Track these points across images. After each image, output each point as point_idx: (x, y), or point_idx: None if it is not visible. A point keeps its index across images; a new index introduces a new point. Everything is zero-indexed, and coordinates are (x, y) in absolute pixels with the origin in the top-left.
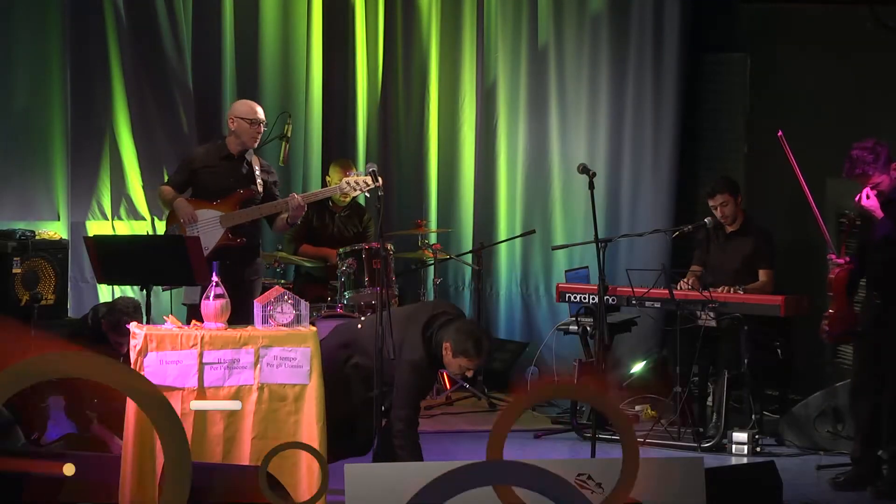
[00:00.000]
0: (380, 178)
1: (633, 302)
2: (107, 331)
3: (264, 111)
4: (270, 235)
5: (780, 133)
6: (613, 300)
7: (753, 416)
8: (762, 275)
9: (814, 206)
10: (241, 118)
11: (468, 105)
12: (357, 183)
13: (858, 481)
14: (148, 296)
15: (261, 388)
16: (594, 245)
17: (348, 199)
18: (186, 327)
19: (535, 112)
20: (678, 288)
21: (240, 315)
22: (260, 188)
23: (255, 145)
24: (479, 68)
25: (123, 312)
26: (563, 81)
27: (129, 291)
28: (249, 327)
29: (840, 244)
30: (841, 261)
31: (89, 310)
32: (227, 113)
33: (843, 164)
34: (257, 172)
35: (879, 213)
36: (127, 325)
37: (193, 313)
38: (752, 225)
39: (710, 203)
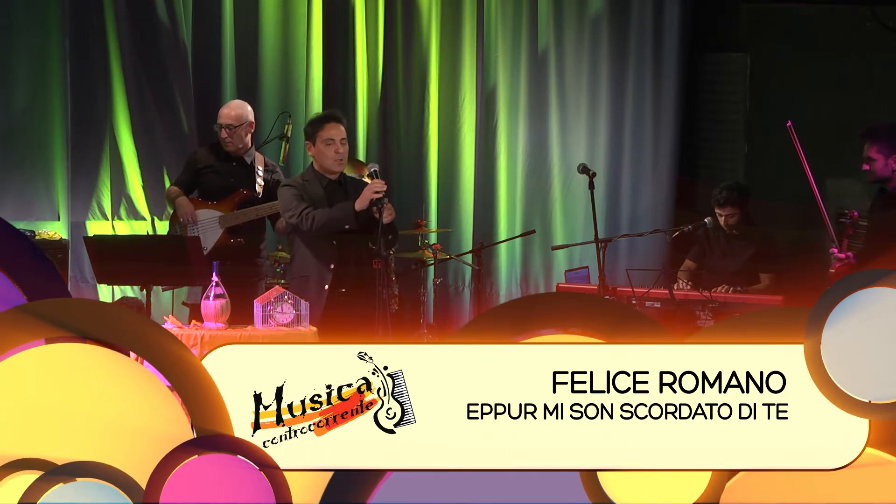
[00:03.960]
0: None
1: (633, 302)
2: None
3: (264, 111)
4: (272, 236)
5: (788, 123)
6: (613, 300)
7: None
8: (764, 279)
9: (818, 198)
10: (217, 121)
11: (468, 105)
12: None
13: None
14: (148, 296)
15: None
16: (594, 245)
17: None
18: (187, 327)
19: (536, 112)
20: (677, 287)
21: (241, 316)
22: (260, 189)
23: (232, 149)
24: (479, 68)
25: None
26: (563, 81)
27: (129, 291)
28: (249, 327)
29: (842, 239)
30: (842, 255)
31: None
32: None
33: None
34: (259, 172)
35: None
36: None
37: (196, 314)
38: (755, 228)
39: (717, 211)
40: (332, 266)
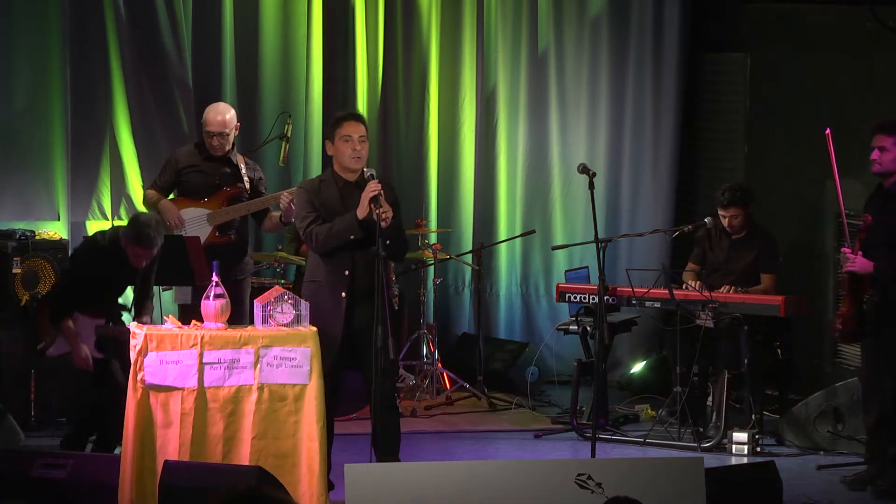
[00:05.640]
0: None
1: (633, 302)
2: (125, 245)
3: (264, 111)
4: (272, 236)
5: (827, 131)
6: (613, 300)
7: (753, 416)
8: (765, 279)
9: (841, 203)
10: (202, 125)
11: (468, 105)
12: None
13: (871, 480)
14: None
15: (261, 388)
16: (594, 245)
17: None
18: (186, 327)
19: (536, 112)
20: (683, 288)
21: (233, 314)
22: (248, 184)
23: (219, 153)
24: (479, 69)
25: (146, 224)
26: (563, 82)
27: (129, 292)
28: (249, 327)
29: (854, 241)
30: (854, 257)
31: (95, 233)
32: None
33: None
34: (243, 171)
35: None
36: (148, 240)
37: (185, 313)
38: (757, 230)
39: (721, 212)
40: (347, 272)
